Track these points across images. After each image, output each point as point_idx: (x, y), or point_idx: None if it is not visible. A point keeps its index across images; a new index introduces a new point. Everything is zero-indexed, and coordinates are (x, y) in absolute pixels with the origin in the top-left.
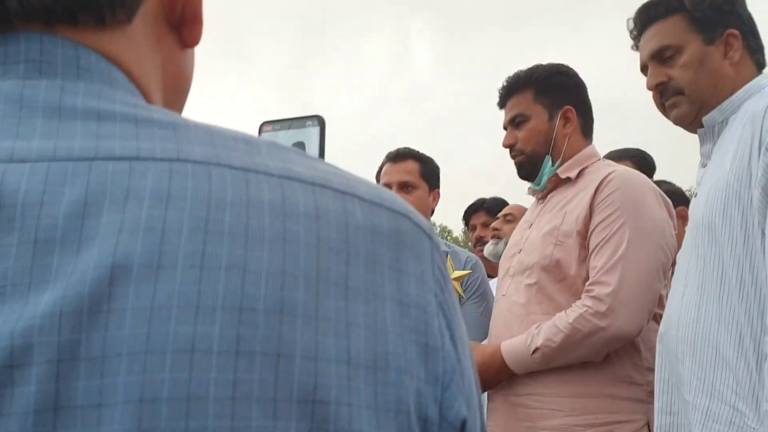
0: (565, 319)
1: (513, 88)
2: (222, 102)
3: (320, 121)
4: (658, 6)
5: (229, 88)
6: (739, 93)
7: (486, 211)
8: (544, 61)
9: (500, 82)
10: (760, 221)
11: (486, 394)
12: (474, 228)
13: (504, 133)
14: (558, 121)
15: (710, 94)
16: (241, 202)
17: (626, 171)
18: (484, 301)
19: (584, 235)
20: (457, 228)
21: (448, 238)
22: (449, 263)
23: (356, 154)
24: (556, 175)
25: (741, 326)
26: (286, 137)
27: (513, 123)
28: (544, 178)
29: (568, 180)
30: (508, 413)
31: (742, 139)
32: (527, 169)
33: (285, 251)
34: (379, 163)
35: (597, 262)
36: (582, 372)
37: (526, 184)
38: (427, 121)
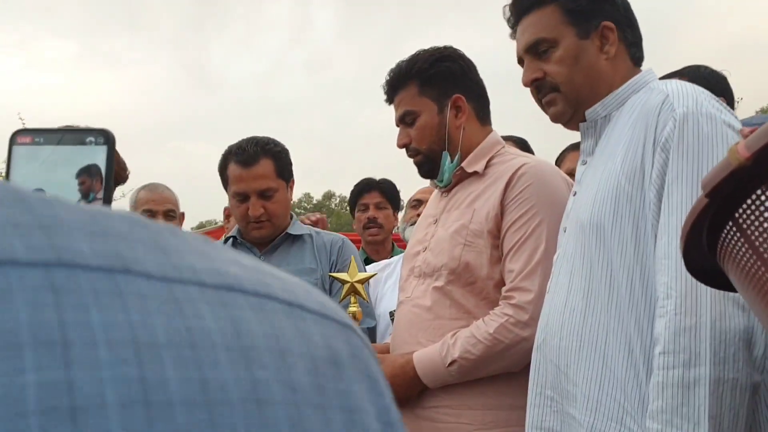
0: (484, 328)
1: (396, 84)
2: (112, 65)
3: (108, 138)
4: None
5: (120, 50)
6: (624, 87)
7: (380, 192)
8: (445, 31)
9: (401, 51)
10: (654, 225)
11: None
12: (365, 207)
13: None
14: (449, 112)
15: (587, 91)
16: (180, 342)
17: (538, 163)
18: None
19: (496, 235)
20: None
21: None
22: (353, 263)
23: (254, 119)
24: (462, 168)
25: (630, 337)
26: (54, 156)
27: (403, 121)
28: (447, 175)
29: (475, 173)
30: (413, 428)
31: (634, 137)
32: (427, 167)
33: (261, 421)
34: (277, 127)
35: (514, 265)
36: (493, 382)
37: None
38: (326, 89)
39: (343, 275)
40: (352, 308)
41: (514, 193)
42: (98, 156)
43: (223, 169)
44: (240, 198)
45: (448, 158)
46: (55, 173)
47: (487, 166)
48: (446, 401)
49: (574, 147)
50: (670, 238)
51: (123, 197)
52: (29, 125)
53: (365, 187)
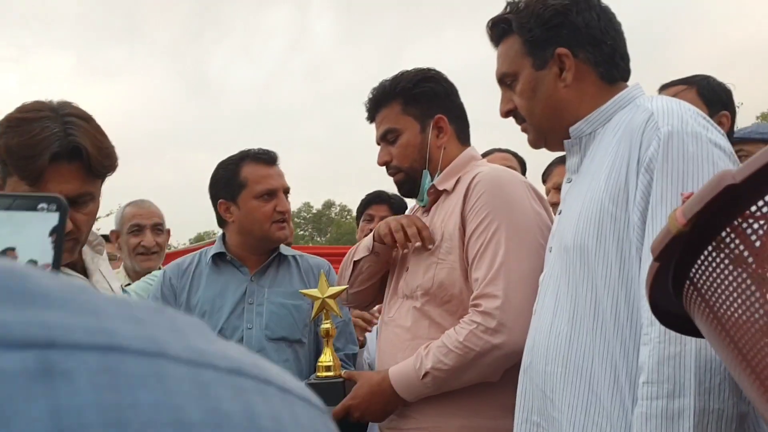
0: (454, 337)
1: (380, 101)
2: (110, 76)
3: (60, 206)
4: (496, 27)
5: (118, 61)
6: (609, 104)
7: (389, 207)
8: (445, 40)
9: (401, 58)
10: (638, 248)
11: (376, 427)
12: (370, 218)
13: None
14: (431, 132)
15: (550, 121)
16: (210, 423)
17: (492, 170)
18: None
19: (463, 248)
20: (354, 204)
21: (348, 217)
22: (322, 279)
23: (253, 126)
24: (434, 187)
25: (616, 362)
26: (3, 221)
27: (385, 139)
28: (426, 195)
29: (445, 191)
30: None
31: (618, 156)
32: (407, 186)
33: None
34: (276, 135)
35: (478, 273)
36: (469, 402)
37: None
38: (326, 96)
39: (313, 291)
40: (325, 325)
41: (471, 203)
42: (48, 224)
43: (234, 174)
44: (268, 195)
45: (429, 177)
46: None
47: (456, 183)
48: (421, 423)
49: (561, 161)
50: None
51: (109, 215)
52: None
53: (375, 199)
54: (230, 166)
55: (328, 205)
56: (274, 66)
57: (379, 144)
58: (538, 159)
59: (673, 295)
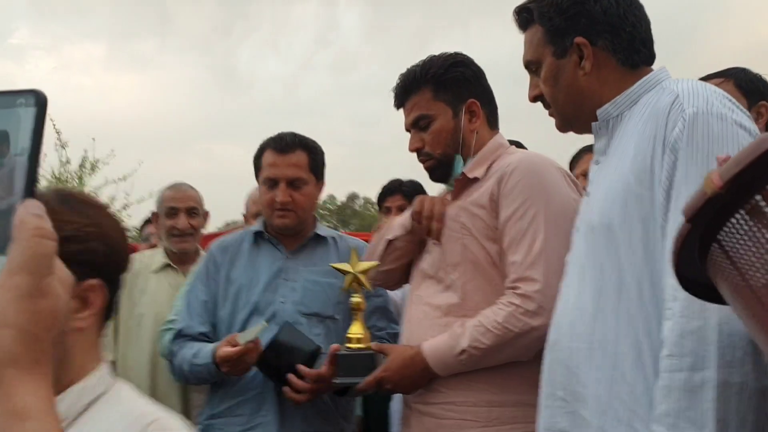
0: (492, 317)
1: (410, 88)
2: (140, 67)
3: (39, 100)
4: (520, 15)
5: (149, 53)
6: (636, 86)
7: (403, 195)
8: (469, 36)
9: (426, 53)
10: (663, 227)
11: (402, 402)
12: (389, 210)
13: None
14: (464, 116)
15: (571, 109)
16: None
17: (526, 156)
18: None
19: (494, 231)
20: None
21: (372, 209)
22: (354, 254)
23: (279, 119)
24: (463, 175)
25: (640, 339)
26: None
27: (416, 125)
28: (453, 180)
29: (477, 179)
30: (417, 425)
31: (644, 137)
32: (440, 172)
33: None
34: (302, 128)
35: (515, 257)
36: (498, 378)
37: None
38: (351, 90)
39: (344, 265)
40: (356, 298)
41: (507, 189)
42: (26, 119)
43: (257, 158)
44: (270, 184)
45: (462, 161)
46: None
47: (487, 171)
48: (450, 398)
49: (588, 149)
50: None
51: (150, 197)
52: (57, 125)
53: (388, 190)
54: (258, 150)
55: (352, 197)
56: (301, 59)
57: (408, 130)
58: (565, 148)
59: (697, 260)
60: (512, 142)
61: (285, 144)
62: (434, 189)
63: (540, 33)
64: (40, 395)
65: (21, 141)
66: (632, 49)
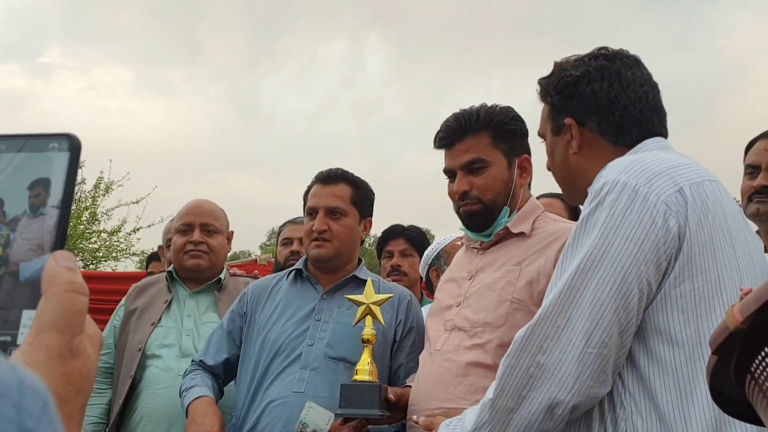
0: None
1: (467, 129)
2: (165, 93)
3: (73, 145)
4: (539, 90)
5: (175, 81)
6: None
7: (407, 239)
8: (493, 86)
9: (449, 99)
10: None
11: None
12: (390, 254)
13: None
14: (515, 170)
15: (565, 184)
16: None
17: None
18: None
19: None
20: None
21: None
22: (369, 285)
23: (301, 154)
24: (506, 228)
25: None
26: (12, 163)
27: (468, 168)
28: (498, 231)
29: (521, 234)
30: None
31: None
32: (482, 219)
33: None
34: (320, 164)
35: None
36: None
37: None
38: (372, 130)
39: (358, 297)
40: (367, 331)
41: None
42: (59, 164)
43: (306, 193)
44: (310, 214)
45: (508, 213)
46: (12, 182)
47: (532, 228)
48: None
49: (765, 135)
50: None
51: (151, 226)
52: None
53: (390, 233)
54: (307, 188)
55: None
56: (325, 97)
57: (449, 172)
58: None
59: (735, 386)
60: (553, 196)
61: (329, 176)
62: (438, 234)
63: (546, 109)
64: None
65: (55, 190)
66: (622, 130)
